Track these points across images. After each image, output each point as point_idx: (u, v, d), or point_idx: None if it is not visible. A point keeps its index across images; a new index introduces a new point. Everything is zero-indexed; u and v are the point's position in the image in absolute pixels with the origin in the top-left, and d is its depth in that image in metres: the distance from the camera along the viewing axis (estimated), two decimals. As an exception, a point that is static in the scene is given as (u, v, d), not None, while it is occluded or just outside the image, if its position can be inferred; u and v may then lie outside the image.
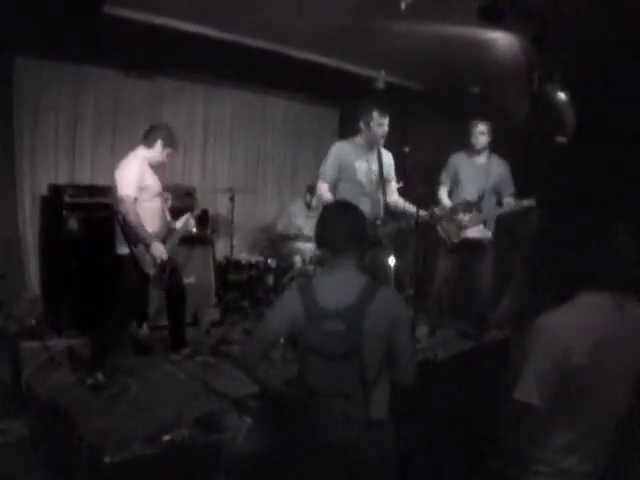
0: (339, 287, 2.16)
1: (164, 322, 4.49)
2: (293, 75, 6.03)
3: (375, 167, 4.36)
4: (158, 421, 3.01)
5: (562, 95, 4.81)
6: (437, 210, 4.51)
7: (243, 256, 6.23)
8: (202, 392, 3.58)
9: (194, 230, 4.42)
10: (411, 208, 4.32)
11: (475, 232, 4.83)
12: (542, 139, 5.01)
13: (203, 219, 5.66)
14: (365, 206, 3.93)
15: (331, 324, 2.07)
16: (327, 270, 2.31)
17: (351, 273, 2.22)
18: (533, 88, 4.94)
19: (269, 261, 5.72)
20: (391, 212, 4.44)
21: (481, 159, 4.93)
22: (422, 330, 4.54)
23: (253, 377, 2.46)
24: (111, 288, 3.95)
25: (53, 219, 4.99)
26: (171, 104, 6.30)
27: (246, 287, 5.78)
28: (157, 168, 4.11)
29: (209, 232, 5.80)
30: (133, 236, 3.80)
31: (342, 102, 7.54)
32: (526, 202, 4.62)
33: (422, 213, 4.18)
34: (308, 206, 6.18)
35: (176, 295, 4.24)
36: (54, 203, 4.98)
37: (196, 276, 5.42)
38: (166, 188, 4.28)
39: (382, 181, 4.38)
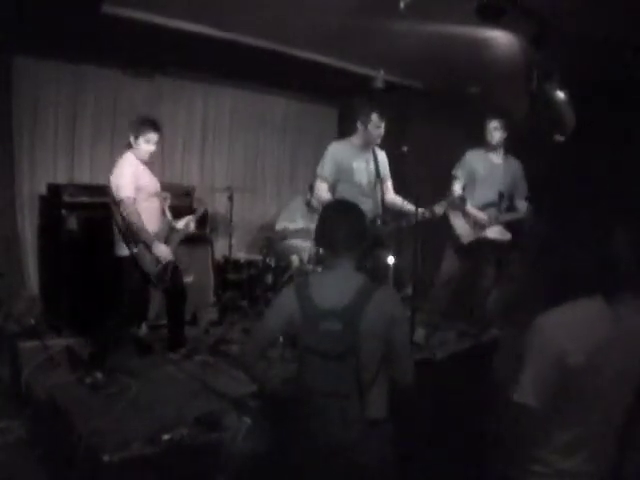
0: (336, 287, 2.16)
1: (163, 322, 4.48)
2: (292, 74, 6.04)
3: (372, 167, 4.37)
4: (157, 420, 3.01)
5: (561, 94, 4.81)
6: (443, 205, 4.40)
7: (242, 255, 6.23)
8: (201, 391, 3.58)
9: (192, 229, 4.38)
10: (409, 206, 4.30)
11: (495, 233, 4.77)
12: (541, 138, 5.01)
13: (202, 218, 5.66)
14: (365, 206, 3.91)
15: (328, 324, 2.07)
16: (326, 269, 2.32)
17: (349, 273, 2.22)
18: (532, 87, 4.94)
19: (268, 260, 5.72)
20: (390, 211, 4.44)
21: (497, 158, 4.87)
22: (419, 333, 4.50)
23: (252, 376, 2.47)
24: (110, 288, 3.96)
25: (52, 218, 4.99)
26: (170, 103, 6.30)
27: (245, 286, 5.78)
28: (151, 165, 4.09)
29: (208, 231, 5.80)
30: (134, 237, 3.80)
31: (341, 101, 7.55)
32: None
33: (421, 210, 4.15)
34: (308, 205, 6.18)
35: (176, 294, 4.23)
36: (53, 202, 4.97)
37: (195, 275, 5.40)
38: (165, 187, 4.27)
39: (379, 180, 4.38)
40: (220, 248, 6.19)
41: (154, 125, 4.02)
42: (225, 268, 5.84)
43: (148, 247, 3.82)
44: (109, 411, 3.16)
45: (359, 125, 4.33)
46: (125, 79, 5.87)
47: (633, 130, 4.46)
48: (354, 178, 4.31)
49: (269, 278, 5.68)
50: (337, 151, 4.36)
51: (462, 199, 4.51)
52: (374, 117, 4.25)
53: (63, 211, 4.84)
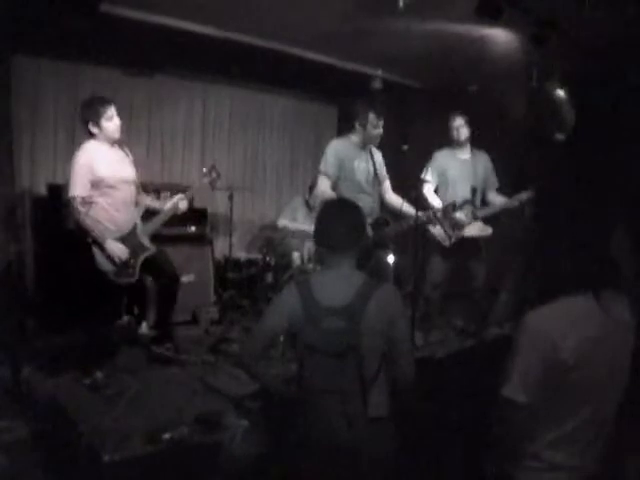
0: (337, 285, 2.16)
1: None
2: (292, 73, 6.03)
3: (370, 166, 4.36)
4: (158, 420, 3.00)
5: (561, 92, 4.81)
6: (431, 212, 4.41)
7: (242, 254, 6.23)
8: (202, 391, 3.58)
9: (184, 208, 4.16)
10: (408, 207, 4.29)
11: (474, 230, 4.78)
12: (541, 136, 5.01)
13: (202, 218, 5.67)
14: (366, 205, 3.92)
15: (329, 322, 2.07)
16: (326, 268, 2.31)
17: (350, 271, 2.22)
18: (532, 85, 4.95)
19: (268, 259, 5.72)
20: (390, 211, 4.44)
21: (465, 154, 4.89)
22: (417, 336, 4.48)
23: (253, 374, 2.46)
24: (110, 287, 3.93)
25: (52, 218, 4.98)
26: (169, 102, 6.30)
27: (245, 285, 5.78)
28: (117, 153, 3.90)
29: (208, 230, 5.81)
30: (87, 237, 3.70)
31: (341, 100, 7.55)
32: (524, 195, 4.60)
33: (420, 214, 4.14)
34: (308, 205, 6.18)
35: (163, 281, 4.10)
36: (53, 202, 4.97)
37: (195, 275, 5.42)
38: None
39: (377, 180, 4.38)
40: (220, 247, 6.19)
41: (105, 100, 3.79)
42: (225, 267, 5.83)
43: (101, 248, 3.70)
44: (109, 410, 3.16)
45: (357, 125, 4.31)
46: (124, 78, 5.86)
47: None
48: (355, 176, 4.29)
49: (269, 277, 5.68)
50: (339, 148, 4.34)
51: (454, 206, 4.51)
52: (371, 117, 4.23)
53: (63, 210, 4.84)
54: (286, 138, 7.50)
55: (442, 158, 4.92)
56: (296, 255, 5.66)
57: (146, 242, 3.96)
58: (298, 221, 6.04)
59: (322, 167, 4.32)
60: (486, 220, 4.79)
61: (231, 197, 5.44)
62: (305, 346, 2.14)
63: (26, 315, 4.86)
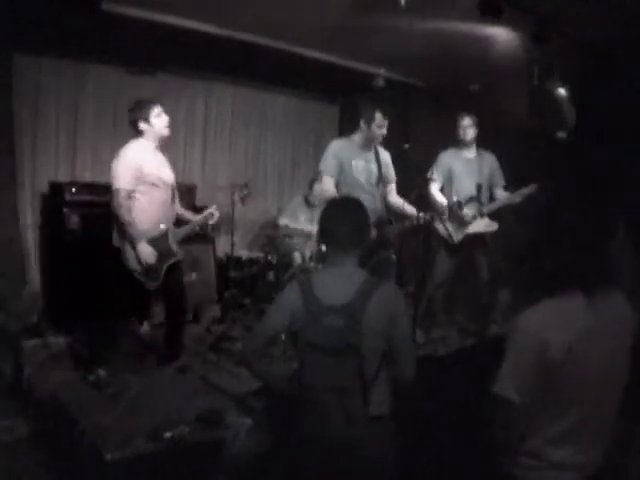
0: (339, 283, 2.16)
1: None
2: (293, 72, 6.03)
3: (374, 166, 4.34)
4: (159, 418, 3.01)
5: (562, 91, 4.81)
6: (435, 214, 4.41)
7: (244, 253, 6.24)
8: (203, 389, 3.59)
9: (214, 221, 4.21)
10: (411, 209, 4.28)
11: (480, 226, 4.78)
12: (542, 135, 5.00)
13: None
14: (367, 205, 3.90)
15: (330, 320, 2.07)
16: (328, 266, 2.31)
17: (352, 269, 2.22)
18: (533, 84, 4.94)
19: (269, 258, 5.72)
20: (393, 212, 4.43)
21: (471, 153, 4.91)
22: (418, 334, 4.48)
23: (254, 372, 2.46)
24: (111, 285, 3.93)
25: (54, 216, 5.00)
26: (171, 101, 6.27)
27: (247, 284, 5.79)
28: (159, 154, 3.96)
29: (210, 229, 5.80)
30: (122, 232, 3.72)
31: (342, 99, 7.55)
32: (526, 190, 4.61)
33: (423, 214, 4.14)
34: (308, 202, 6.18)
35: (172, 298, 4.07)
36: (55, 201, 4.99)
37: (197, 273, 5.43)
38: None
39: (382, 180, 4.37)
40: (222, 246, 6.20)
41: (152, 100, 3.93)
42: (227, 266, 5.84)
43: (133, 246, 3.70)
44: (111, 409, 3.16)
45: (362, 124, 4.29)
46: (126, 77, 5.87)
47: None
48: (353, 176, 4.27)
49: (271, 276, 5.69)
50: (338, 148, 4.33)
51: (460, 204, 4.51)
52: (378, 116, 4.21)
53: (65, 209, 4.86)
54: (288, 137, 7.50)
55: (447, 157, 4.94)
56: (297, 254, 5.66)
57: (175, 248, 3.96)
58: (299, 220, 6.04)
59: (321, 167, 4.31)
60: (492, 216, 4.79)
61: (233, 196, 5.43)
62: (306, 344, 2.15)
63: (28, 313, 4.88)
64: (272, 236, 6.18)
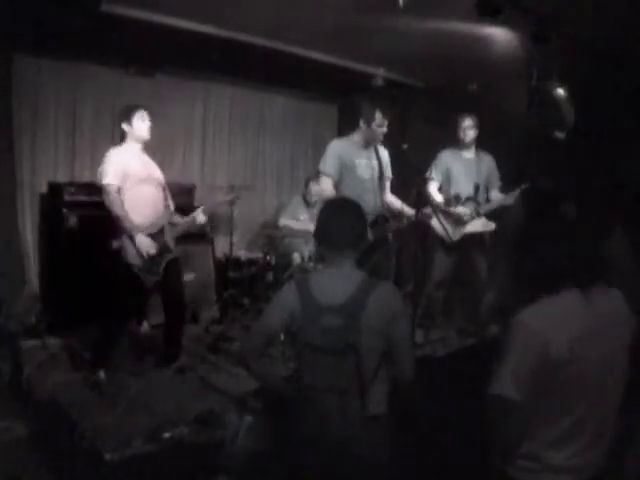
0: (337, 283, 2.16)
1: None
2: (292, 72, 6.03)
3: (374, 164, 4.35)
4: (158, 418, 3.02)
5: (561, 91, 4.81)
6: (428, 210, 4.42)
7: (242, 253, 6.24)
8: (202, 389, 3.59)
9: (202, 221, 4.22)
10: (406, 207, 4.29)
11: (477, 225, 4.79)
12: (540, 135, 5.01)
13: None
14: (368, 204, 3.90)
15: (328, 320, 2.07)
16: (326, 266, 2.31)
17: (350, 270, 2.22)
18: (532, 84, 4.95)
19: (268, 258, 5.73)
20: (389, 210, 4.43)
21: (470, 154, 4.92)
22: (417, 334, 4.47)
23: (253, 372, 2.46)
24: (110, 285, 3.92)
25: (53, 217, 5.00)
26: (170, 102, 6.29)
27: (246, 284, 5.79)
28: (146, 154, 4.03)
29: (209, 229, 5.81)
30: (119, 228, 3.72)
31: (341, 99, 7.55)
32: (519, 191, 4.62)
33: (420, 211, 4.14)
34: (307, 202, 6.18)
35: (171, 296, 4.08)
36: (54, 201, 4.98)
37: (196, 273, 5.43)
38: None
39: (381, 178, 4.37)
40: (221, 246, 6.20)
41: (138, 105, 4.02)
42: (226, 266, 5.84)
43: (131, 239, 3.71)
44: (110, 409, 3.17)
45: (362, 123, 4.29)
46: (125, 78, 5.87)
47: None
48: (357, 174, 4.27)
49: (270, 276, 5.69)
50: (339, 148, 4.33)
51: (458, 197, 4.53)
52: (378, 115, 4.21)
53: (64, 210, 4.85)
54: (286, 137, 7.50)
55: (446, 157, 4.96)
56: (296, 254, 5.67)
57: (172, 245, 3.99)
58: (299, 220, 6.04)
59: (321, 167, 4.31)
60: (489, 216, 4.80)
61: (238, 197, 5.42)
62: (304, 344, 2.15)
63: (28, 314, 4.88)
64: (271, 236, 6.18)
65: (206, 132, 6.78)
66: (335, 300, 2.09)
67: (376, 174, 4.34)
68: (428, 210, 4.22)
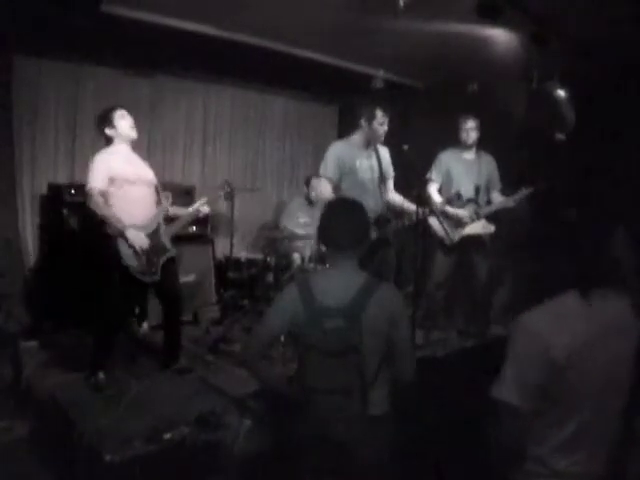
0: (339, 284, 2.16)
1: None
2: (292, 73, 6.03)
3: (375, 164, 4.35)
4: (158, 419, 3.01)
5: (561, 92, 4.81)
6: (434, 206, 4.43)
7: (243, 254, 6.23)
8: (202, 390, 3.58)
9: (206, 212, 4.28)
10: (409, 205, 4.29)
11: (477, 228, 4.80)
12: (541, 136, 5.01)
13: (203, 217, 5.66)
14: (368, 205, 3.89)
15: (330, 321, 2.07)
16: (328, 267, 2.31)
17: (352, 270, 2.22)
18: (532, 85, 4.95)
19: (269, 259, 5.72)
20: (391, 210, 4.43)
21: (470, 155, 4.92)
22: (417, 334, 4.46)
23: (254, 373, 2.46)
24: (107, 286, 3.91)
25: (53, 218, 5.00)
26: (171, 103, 6.31)
27: (246, 285, 5.78)
28: (132, 155, 3.98)
29: (209, 230, 5.81)
30: (110, 228, 3.70)
31: (341, 100, 7.55)
32: (520, 194, 4.64)
33: (421, 210, 4.14)
34: (308, 201, 6.17)
35: (169, 296, 4.05)
36: (54, 202, 4.99)
37: (196, 274, 5.43)
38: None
39: (382, 178, 4.37)
40: (221, 247, 6.19)
41: (114, 105, 3.95)
42: (226, 267, 5.84)
43: (123, 236, 3.68)
44: (110, 410, 3.16)
45: (363, 122, 4.29)
46: (125, 79, 5.87)
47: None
48: (357, 176, 4.28)
49: (270, 277, 5.68)
50: (339, 150, 4.33)
51: (459, 195, 4.53)
52: (378, 114, 4.21)
53: (64, 211, 4.85)
54: (287, 138, 7.50)
55: (447, 158, 4.95)
56: (296, 255, 5.66)
57: (168, 244, 3.97)
58: (300, 221, 6.03)
59: (322, 170, 4.31)
60: (489, 218, 4.80)
61: (232, 197, 5.42)
62: (305, 345, 2.14)
63: (28, 314, 4.87)
64: (271, 237, 6.17)
65: (206, 133, 6.78)
66: (337, 302, 2.09)
67: (376, 175, 4.34)
68: (428, 210, 4.22)
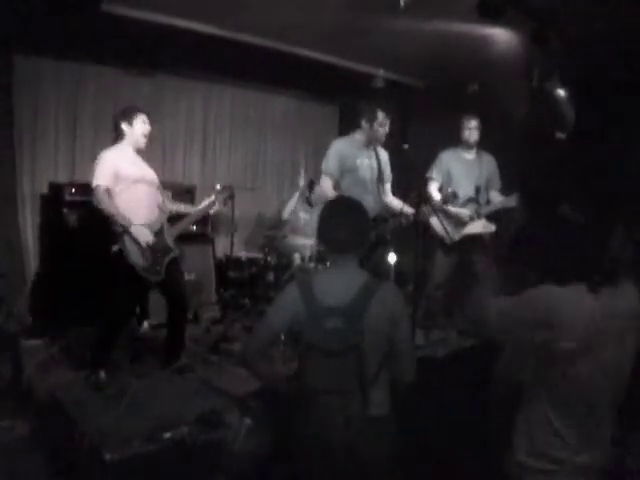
0: (340, 284, 2.15)
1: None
2: (293, 72, 6.03)
3: (375, 164, 4.35)
4: (159, 419, 3.01)
5: (562, 91, 4.81)
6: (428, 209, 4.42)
7: (243, 253, 6.23)
8: (203, 390, 3.59)
9: (218, 208, 4.30)
10: (407, 209, 4.29)
11: (478, 227, 4.79)
12: (541, 135, 5.01)
13: (203, 217, 5.66)
14: (368, 203, 3.90)
15: (331, 321, 2.06)
16: (329, 267, 2.31)
17: (353, 270, 2.21)
18: (533, 84, 4.95)
19: (269, 258, 5.72)
20: (389, 211, 4.43)
21: (470, 154, 4.91)
22: (417, 334, 4.46)
23: (255, 373, 2.46)
24: (109, 285, 3.92)
25: (54, 217, 5.00)
26: (171, 102, 6.31)
27: (246, 284, 5.78)
28: (142, 150, 3.99)
29: (209, 229, 5.81)
30: (116, 227, 3.70)
31: (342, 99, 7.55)
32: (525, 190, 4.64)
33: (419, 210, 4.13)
34: (309, 203, 6.17)
35: (174, 296, 4.05)
36: (55, 201, 4.98)
37: (196, 274, 5.43)
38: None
39: (381, 179, 4.37)
40: (222, 246, 6.19)
41: (142, 109, 3.98)
42: (226, 266, 5.84)
43: (128, 233, 3.69)
44: (111, 409, 3.17)
45: (364, 123, 4.29)
46: (126, 78, 5.87)
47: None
48: (358, 175, 4.28)
49: (270, 276, 5.68)
50: (341, 147, 4.33)
51: (455, 194, 4.52)
52: (380, 115, 4.22)
53: (65, 210, 4.85)
54: (287, 137, 7.49)
55: (447, 158, 4.94)
56: (297, 254, 5.66)
57: (172, 244, 3.97)
58: (298, 220, 6.01)
59: (324, 167, 4.32)
60: (489, 218, 4.80)
61: (232, 196, 5.42)
62: (306, 345, 2.14)
63: (28, 313, 4.88)
64: (271, 236, 6.17)
65: (207, 132, 6.78)
66: (338, 301, 2.09)
67: (375, 174, 4.35)
68: (427, 209, 4.22)
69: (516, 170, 5.06)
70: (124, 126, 3.88)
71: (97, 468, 2.69)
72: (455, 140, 4.93)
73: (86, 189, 4.90)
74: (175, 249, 3.99)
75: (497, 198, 4.89)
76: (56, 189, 5.03)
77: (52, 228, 5.06)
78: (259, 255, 6.01)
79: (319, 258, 4.75)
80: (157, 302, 4.63)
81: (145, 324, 4.85)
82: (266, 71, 6.05)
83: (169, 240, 3.96)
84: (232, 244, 5.53)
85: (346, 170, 4.27)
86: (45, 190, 5.22)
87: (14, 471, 2.98)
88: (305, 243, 5.66)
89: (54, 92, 5.53)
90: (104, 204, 3.68)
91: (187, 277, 5.02)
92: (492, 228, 4.80)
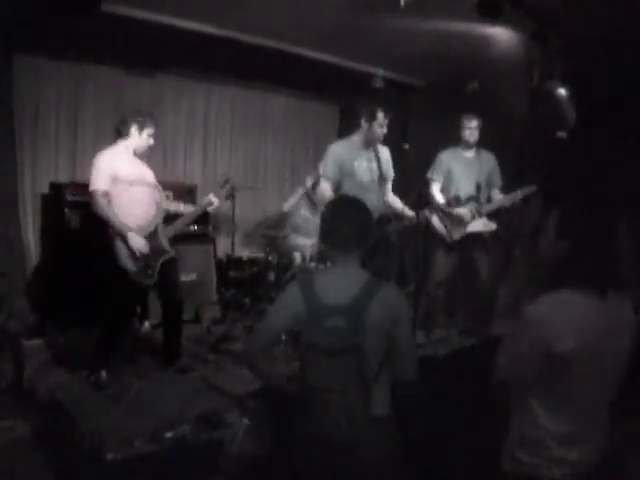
0: (341, 284, 2.15)
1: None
2: (293, 72, 6.03)
3: (374, 165, 4.34)
4: (160, 418, 3.01)
5: (562, 90, 4.81)
6: (429, 210, 4.42)
7: (244, 253, 6.23)
8: (204, 389, 3.59)
9: (217, 204, 4.26)
10: (407, 210, 4.29)
11: (478, 226, 4.79)
12: (542, 135, 5.00)
13: (204, 216, 5.67)
14: (371, 203, 3.89)
15: (332, 320, 2.06)
16: (331, 266, 2.30)
17: (354, 270, 2.21)
18: (533, 84, 4.94)
19: (270, 258, 5.72)
20: (391, 211, 4.43)
21: (470, 153, 4.91)
22: (418, 334, 4.46)
23: (256, 372, 2.45)
24: (108, 285, 3.92)
25: (55, 217, 5.00)
26: (172, 102, 6.31)
27: (247, 284, 5.79)
28: (140, 156, 3.99)
29: (210, 229, 5.81)
30: (111, 230, 3.71)
31: (342, 99, 7.54)
32: (521, 192, 4.63)
33: (422, 212, 4.13)
34: (313, 202, 6.16)
35: (168, 297, 4.06)
36: (56, 201, 4.99)
37: (197, 273, 5.43)
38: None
39: (382, 178, 4.37)
40: (223, 246, 6.19)
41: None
42: (227, 266, 5.84)
43: (123, 239, 3.70)
44: (111, 409, 3.17)
45: (363, 123, 4.28)
46: (126, 78, 5.87)
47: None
48: (356, 177, 4.28)
49: (271, 276, 5.68)
50: (338, 150, 4.33)
51: (458, 198, 4.53)
52: (379, 115, 4.21)
53: (65, 210, 4.86)
54: (288, 137, 7.49)
55: (447, 157, 4.94)
56: (297, 254, 5.66)
57: (166, 245, 3.97)
58: (299, 220, 6.01)
59: (321, 170, 4.32)
60: (490, 216, 4.80)
61: (233, 196, 5.42)
62: (307, 344, 2.14)
63: (29, 313, 4.88)
64: (272, 236, 6.17)
65: (207, 132, 6.79)
66: (339, 301, 2.08)
67: (376, 176, 4.34)
68: (428, 210, 4.22)
69: (515, 169, 5.05)
70: (134, 129, 3.87)
71: (98, 468, 2.70)
72: (455, 139, 4.93)
73: (87, 189, 4.94)
74: (170, 250, 3.98)
75: (498, 196, 4.89)
76: (57, 189, 5.04)
77: (53, 228, 5.07)
78: (260, 255, 6.01)
79: (320, 258, 4.75)
80: (157, 302, 4.65)
81: (146, 324, 4.85)
82: (266, 71, 6.05)
83: (164, 241, 3.95)
84: (233, 244, 5.55)
85: (345, 173, 4.26)
86: (46, 190, 5.22)
87: (14, 471, 2.98)
88: (306, 243, 5.66)
89: (55, 92, 5.53)
90: (102, 210, 3.69)
91: (188, 277, 5.05)
92: (493, 226, 4.80)
